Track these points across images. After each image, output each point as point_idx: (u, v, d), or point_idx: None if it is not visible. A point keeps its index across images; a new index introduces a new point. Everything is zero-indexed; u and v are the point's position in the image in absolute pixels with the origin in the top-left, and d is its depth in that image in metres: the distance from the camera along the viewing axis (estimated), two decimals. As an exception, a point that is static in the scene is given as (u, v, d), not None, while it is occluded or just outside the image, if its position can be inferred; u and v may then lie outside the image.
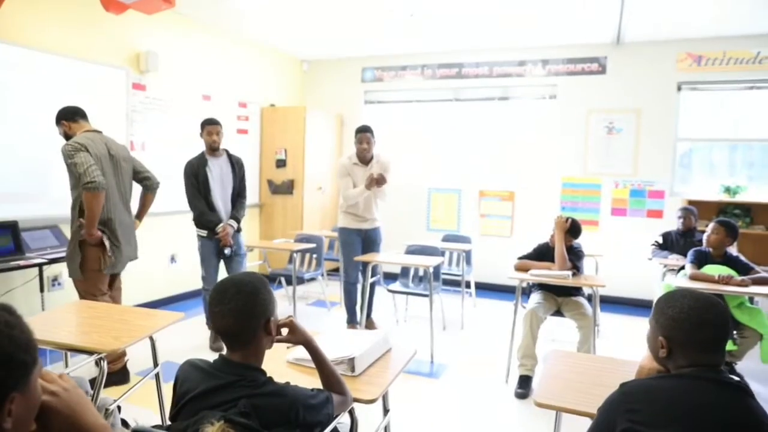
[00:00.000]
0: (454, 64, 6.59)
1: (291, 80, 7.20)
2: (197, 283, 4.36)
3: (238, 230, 4.24)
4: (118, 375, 3.29)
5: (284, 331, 1.57)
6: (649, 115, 5.77)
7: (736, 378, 1.26)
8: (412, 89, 6.89)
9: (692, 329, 1.26)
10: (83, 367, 2.66)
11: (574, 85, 6.06)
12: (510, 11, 4.94)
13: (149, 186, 3.66)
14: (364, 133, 4.43)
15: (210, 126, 4.08)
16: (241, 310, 1.36)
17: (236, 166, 4.22)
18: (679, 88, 5.70)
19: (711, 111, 5.75)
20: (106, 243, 3.26)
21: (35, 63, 4.01)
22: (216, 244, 4.12)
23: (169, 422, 1.45)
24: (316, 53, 7.00)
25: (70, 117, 3.31)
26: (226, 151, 4.22)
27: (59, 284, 4.26)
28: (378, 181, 4.26)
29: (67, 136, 3.29)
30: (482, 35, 5.81)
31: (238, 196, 4.24)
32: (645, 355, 1.46)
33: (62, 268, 4.18)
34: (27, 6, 3.91)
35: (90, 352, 2.03)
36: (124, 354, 3.32)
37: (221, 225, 4.07)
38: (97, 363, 2.05)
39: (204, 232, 4.12)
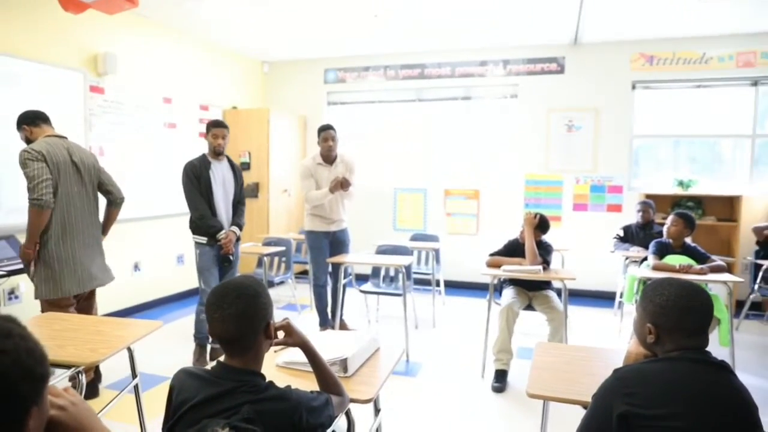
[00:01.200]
0: (416, 65, 6.65)
1: (253, 82, 7.10)
2: (163, 291, 4.24)
3: (238, 239, 4.03)
4: (87, 389, 3.16)
5: (280, 333, 1.55)
6: (607, 113, 5.98)
7: (719, 359, 1.33)
8: (375, 90, 6.91)
9: (679, 316, 1.33)
10: (58, 382, 2.55)
11: (534, 85, 6.21)
12: (471, 13, 5.02)
13: (112, 200, 3.45)
14: (327, 131, 4.41)
15: (216, 129, 3.86)
16: (242, 314, 1.33)
17: (237, 173, 4.03)
18: (633, 87, 5.93)
19: (663, 108, 6.00)
20: (31, 267, 3.09)
21: (-15, 65, 3.82)
22: (216, 252, 3.88)
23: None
24: (277, 55, 6.92)
25: (31, 121, 3.15)
26: (228, 157, 4.02)
27: (16, 297, 4.08)
28: (343, 184, 4.25)
29: (29, 141, 3.13)
30: (444, 36, 5.89)
31: (239, 203, 4.04)
32: (632, 341, 1.52)
33: (19, 281, 4.01)
34: (-25, 6, 3.72)
35: (67, 366, 1.95)
36: (93, 367, 3.19)
37: (224, 231, 3.85)
38: (73, 377, 1.97)
39: (203, 239, 3.85)
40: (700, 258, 3.87)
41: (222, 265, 3.93)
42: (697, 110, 5.92)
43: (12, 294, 4.05)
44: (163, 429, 1.40)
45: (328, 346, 1.92)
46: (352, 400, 1.67)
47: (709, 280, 3.66)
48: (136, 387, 2.34)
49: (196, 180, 3.80)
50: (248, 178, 6.44)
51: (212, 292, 1.39)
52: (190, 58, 5.92)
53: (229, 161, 4.03)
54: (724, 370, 1.30)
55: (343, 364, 1.83)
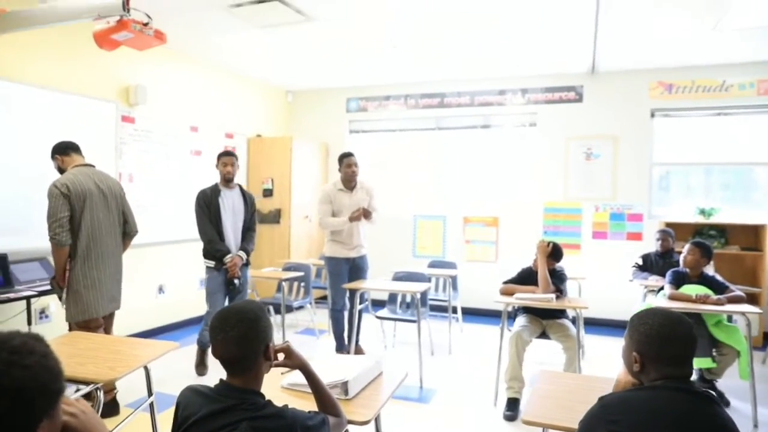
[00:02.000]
0: (436, 94, 6.78)
1: (276, 111, 7.33)
2: (186, 313, 4.38)
3: (247, 263, 4.23)
4: (108, 407, 3.28)
5: (281, 356, 1.63)
6: (626, 141, 5.99)
7: (703, 389, 1.36)
8: (395, 119, 7.06)
9: (662, 345, 1.37)
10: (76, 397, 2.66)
11: (552, 113, 6.27)
12: (489, 42, 5.15)
13: (127, 231, 3.62)
14: (350, 157, 4.57)
15: (225, 157, 4.15)
16: (243, 336, 1.42)
17: (248, 201, 4.26)
18: (652, 115, 5.94)
19: (684, 136, 5.98)
20: (64, 296, 3.30)
21: (27, 98, 4.07)
22: (223, 276, 4.08)
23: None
24: (300, 84, 7.16)
25: (62, 151, 3.39)
26: (239, 186, 4.27)
27: (47, 317, 4.25)
28: (365, 215, 4.41)
29: (61, 170, 3.38)
30: (463, 65, 6.02)
31: (248, 229, 4.25)
32: (621, 370, 1.55)
33: (50, 301, 4.18)
34: (20, 42, 3.99)
35: (86, 383, 2.06)
36: (113, 386, 3.32)
37: (230, 256, 4.05)
38: (92, 394, 2.08)
39: (212, 263, 4.08)
40: (718, 288, 3.81)
41: (228, 288, 4.10)
42: (718, 138, 5.88)
43: (42, 313, 4.23)
44: (169, 442, 1.49)
45: (332, 369, 1.99)
46: (351, 422, 1.73)
47: (726, 311, 3.61)
48: (151, 405, 2.44)
49: (206, 207, 4.07)
50: (271, 204, 6.62)
51: (215, 316, 1.48)
52: (216, 87, 6.18)
53: (241, 189, 4.25)
54: (707, 400, 1.33)
55: (344, 386, 1.90)
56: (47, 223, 3.18)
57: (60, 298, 3.37)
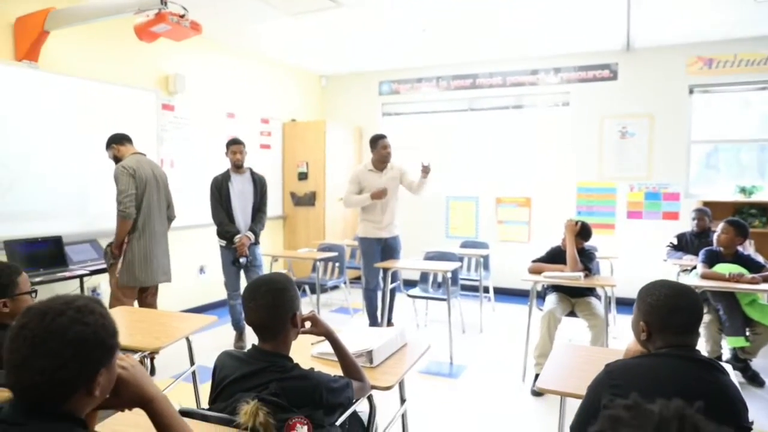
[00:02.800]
0: (468, 75, 6.77)
1: (310, 95, 7.47)
2: (224, 293, 4.63)
3: (256, 242, 4.53)
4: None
5: (307, 324, 1.76)
6: (662, 119, 5.86)
7: (711, 355, 1.41)
8: (428, 101, 7.09)
9: (667, 314, 1.43)
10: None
11: (586, 92, 6.18)
12: (520, 22, 5.11)
13: (168, 215, 4.01)
14: (385, 138, 4.72)
15: (234, 146, 4.44)
16: (271, 304, 1.56)
17: (258, 184, 4.54)
18: (690, 92, 5.78)
19: (727, 112, 5.81)
20: (119, 264, 3.67)
21: (75, 89, 4.32)
22: (233, 254, 4.42)
23: (207, 406, 1.65)
24: (333, 68, 7.26)
25: (119, 141, 3.75)
26: (250, 170, 4.56)
27: (98, 294, 4.54)
28: (425, 170, 4.59)
29: (116, 159, 3.71)
30: (494, 46, 5.99)
31: (258, 210, 4.54)
32: (631, 339, 1.61)
33: (100, 280, 4.47)
34: (67, 39, 4.22)
35: (134, 351, 2.25)
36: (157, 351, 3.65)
37: (238, 236, 4.37)
38: (142, 360, 2.28)
39: (223, 242, 4.45)
40: (754, 267, 3.76)
41: (234, 265, 4.47)
42: (764, 113, 5.68)
43: (94, 292, 4.52)
44: (209, 401, 1.64)
45: (358, 339, 2.12)
46: (374, 387, 1.85)
47: (760, 290, 3.57)
48: (193, 374, 2.63)
49: (217, 192, 4.42)
50: (306, 187, 6.79)
51: (248, 287, 1.63)
52: (252, 74, 6.35)
53: (252, 174, 4.54)
54: (710, 367, 1.38)
55: (369, 355, 2.02)
56: (117, 199, 3.56)
57: (111, 266, 3.74)
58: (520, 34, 5.50)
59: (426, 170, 4.59)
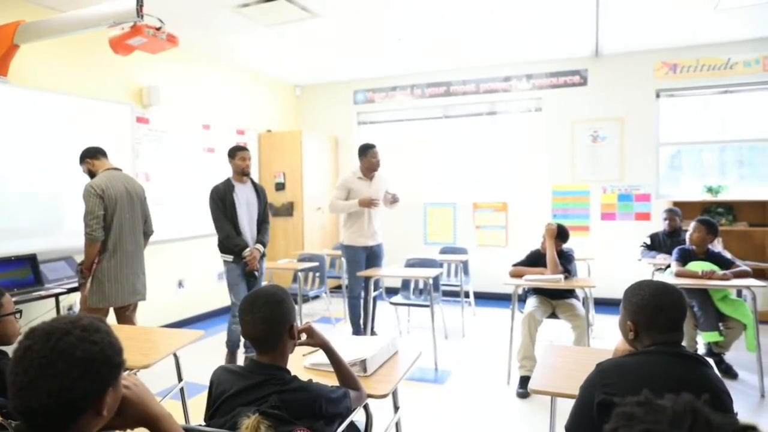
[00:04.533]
0: (442, 83, 6.86)
1: (286, 105, 7.46)
2: (206, 306, 4.54)
3: (263, 255, 4.37)
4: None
5: (303, 336, 1.77)
6: (632, 123, 6.04)
7: (692, 352, 1.47)
8: (402, 109, 7.15)
9: (654, 313, 1.48)
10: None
11: (557, 98, 6.33)
12: (493, 30, 5.22)
13: (145, 231, 3.85)
14: (374, 148, 4.76)
15: (243, 152, 4.22)
16: (269, 317, 1.56)
17: (261, 193, 4.36)
18: (657, 96, 5.98)
19: (691, 115, 6.02)
20: (88, 284, 3.55)
21: (47, 104, 4.23)
22: (242, 269, 4.18)
23: (202, 422, 1.64)
24: (308, 78, 7.27)
25: (93, 155, 3.62)
26: (251, 179, 4.36)
27: (74, 312, 4.43)
28: (393, 200, 4.81)
29: (91, 173, 3.59)
30: (468, 54, 6.09)
31: (263, 221, 4.36)
32: (618, 339, 1.67)
33: (76, 297, 4.35)
34: (39, 51, 4.13)
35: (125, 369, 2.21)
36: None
37: (248, 249, 4.15)
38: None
39: (230, 257, 4.17)
40: (724, 264, 3.89)
41: (248, 280, 4.23)
42: (725, 116, 5.91)
43: (70, 310, 4.41)
44: (205, 417, 1.63)
45: (350, 349, 2.13)
46: (370, 396, 1.86)
47: (732, 286, 3.70)
48: (182, 390, 2.59)
49: (221, 203, 4.14)
50: (283, 197, 6.76)
51: (244, 300, 1.62)
52: (227, 85, 6.31)
53: (253, 183, 4.34)
54: (697, 362, 1.44)
55: (363, 364, 2.03)
56: (84, 220, 3.43)
57: (81, 286, 3.63)
58: (492, 42, 5.61)
59: (394, 199, 4.80)
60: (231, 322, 4.32)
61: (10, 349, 1.39)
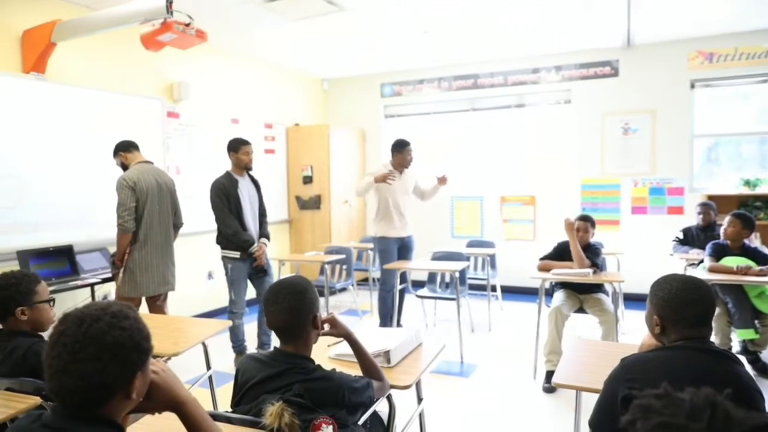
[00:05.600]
0: (469, 76, 6.80)
1: (313, 99, 7.51)
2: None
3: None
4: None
5: (327, 326, 1.79)
6: (664, 114, 5.88)
7: (721, 347, 1.43)
8: (430, 102, 7.12)
9: (680, 308, 1.45)
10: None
11: (587, 89, 6.21)
12: (520, 21, 5.14)
13: (175, 223, 3.94)
14: (409, 145, 4.80)
15: (247, 146, 4.10)
16: (293, 307, 1.59)
17: (259, 187, 4.31)
18: (692, 86, 5.80)
19: (729, 106, 5.83)
20: (120, 274, 3.67)
21: (83, 100, 4.36)
22: (249, 265, 4.10)
23: (230, 409, 1.68)
24: (335, 72, 7.30)
25: (125, 149, 3.73)
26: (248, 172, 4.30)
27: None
28: (443, 180, 4.84)
29: (124, 166, 3.70)
30: (495, 46, 6.02)
31: (263, 215, 4.30)
32: (646, 333, 1.64)
33: (111, 287, 4.49)
34: (74, 49, 4.26)
35: (154, 356, 2.28)
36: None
37: (257, 245, 4.08)
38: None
39: (236, 254, 4.04)
40: (761, 259, 3.77)
41: (257, 276, 4.19)
42: (765, 106, 5.71)
43: (105, 299, 4.55)
44: (231, 404, 1.67)
45: (375, 340, 2.15)
46: (393, 386, 1.88)
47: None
48: (210, 378, 2.66)
49: (225, 198, 4.02)
50: (310, 190, 6.83)
51: (269, 290, 1.66)
52: (255, 80, 6.39)
53: (250, 176, 4.24)
54: (725, 358, 1.41)
55: (387, 355, 2.05)
56: (117, 212, 3.55)
57: (114, 276, 3.76)
58: (521, 33, 5.53)
59: (444, 180, 4.79)
60: (233, 320, 4.13)
61: (46, 335, 1.45)
